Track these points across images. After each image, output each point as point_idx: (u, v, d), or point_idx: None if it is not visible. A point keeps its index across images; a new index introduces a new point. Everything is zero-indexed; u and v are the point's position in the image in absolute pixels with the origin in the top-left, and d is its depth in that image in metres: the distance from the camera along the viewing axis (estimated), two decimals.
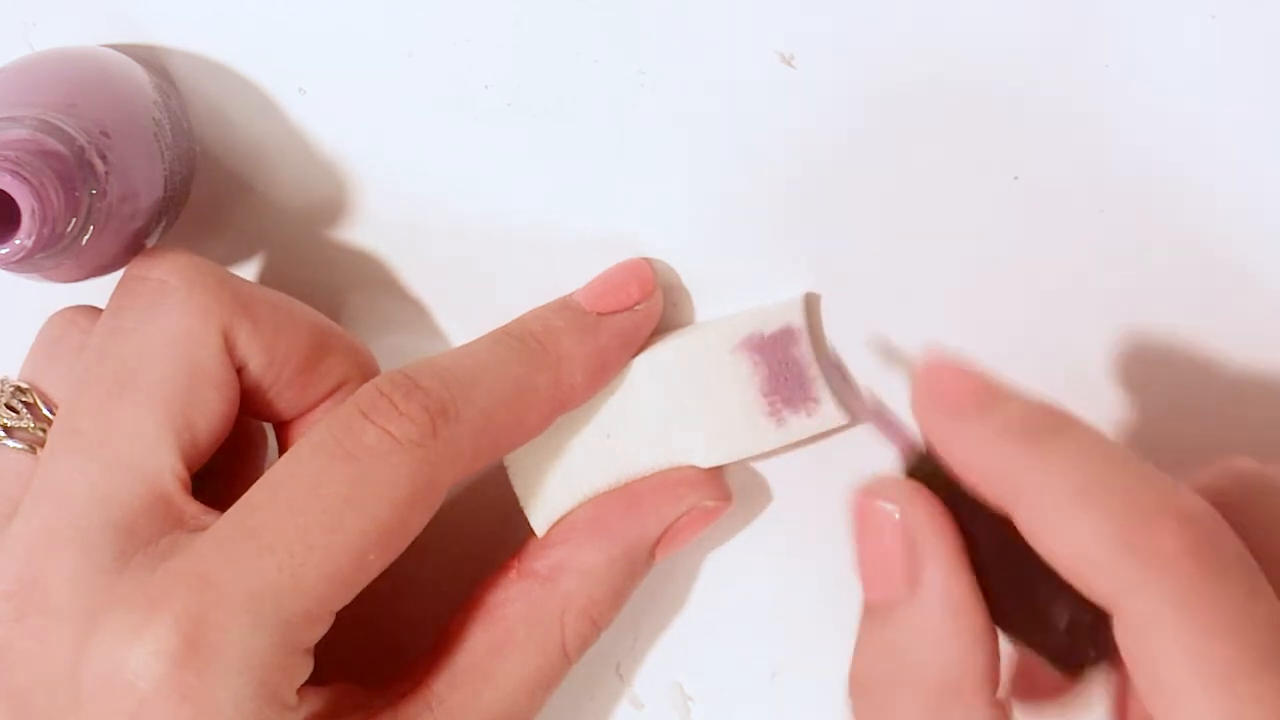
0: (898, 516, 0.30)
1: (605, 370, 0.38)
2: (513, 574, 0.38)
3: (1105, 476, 0.28)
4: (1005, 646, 0.30)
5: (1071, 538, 0.27)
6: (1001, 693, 0.30)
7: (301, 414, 0.38)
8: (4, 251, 0.32)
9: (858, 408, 0.38)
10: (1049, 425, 0.29)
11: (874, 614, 0.30)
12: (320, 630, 0.33)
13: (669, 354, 0.38)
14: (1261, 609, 0.27)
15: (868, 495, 0.31)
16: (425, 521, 0.34)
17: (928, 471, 0.31)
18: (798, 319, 0.38)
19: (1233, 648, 0.26)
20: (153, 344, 0.35)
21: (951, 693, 0.29)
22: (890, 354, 0.38)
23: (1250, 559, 0.27)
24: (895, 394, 0.35)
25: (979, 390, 0.30)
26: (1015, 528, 0.29)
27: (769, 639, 0.41)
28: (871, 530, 0.30)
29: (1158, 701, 0.27)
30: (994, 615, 0.30)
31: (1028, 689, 0.34)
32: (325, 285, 0.42)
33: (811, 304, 0.39)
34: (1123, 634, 0.27)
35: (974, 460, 0.29)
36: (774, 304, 0.38)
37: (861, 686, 0.30)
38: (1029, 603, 0.29)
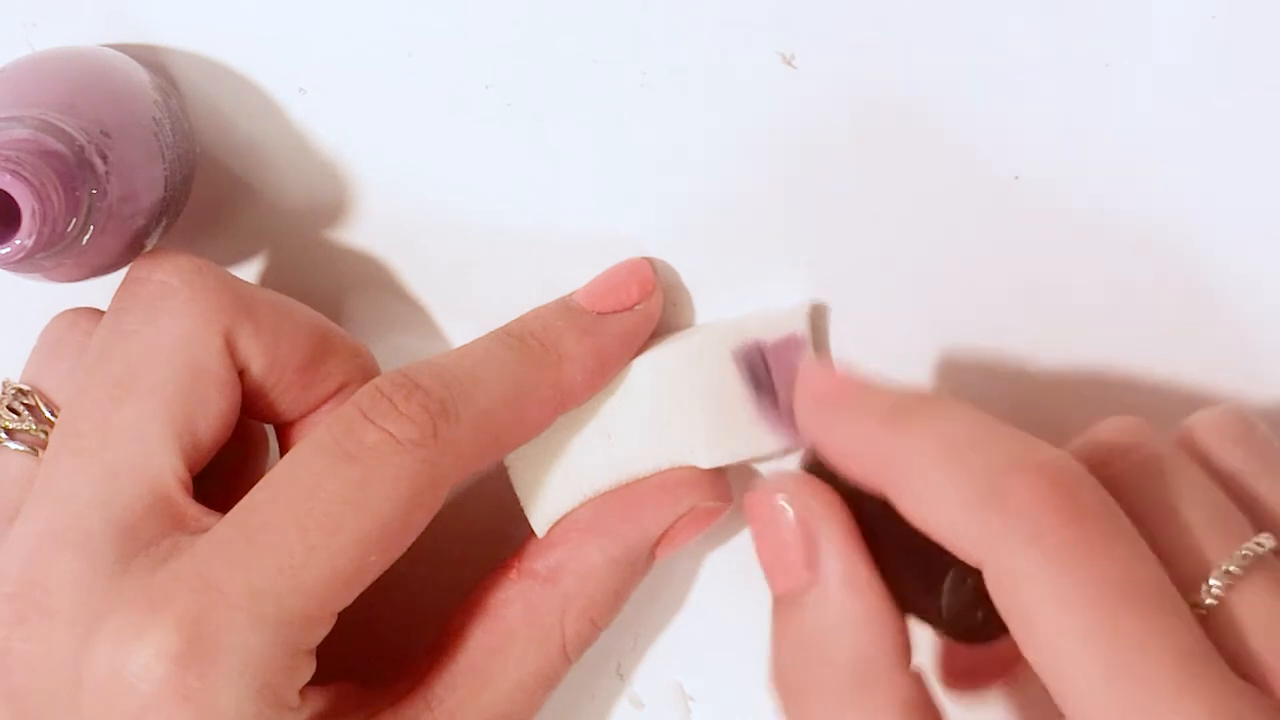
0: (790, 507, 0.31)
1: (605, 370, 0.38)
2: (513, 574, 0.38)
3: (965, 441, 0.28)
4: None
5: (936, 503, 0.28)
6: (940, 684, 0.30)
7: (303, 415, 0.38)
8: (5, 251, 0.32)
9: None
10: (914, 406, 0.30)
11: (782, 605, 0.31)
12: (322, 631, 0.33)
13: (670, 354, 0.38)
14: (1122, 550, 0.27)
15: (760, 492, 0.32)
16: (426, 522, 0.34)
17: (820, 473, 0.32)
18: (802, 327, 0.38)
19: (1096, 591, 0.26)
20: (154, 346, 0.35)
21: (867, 670, 0.29)
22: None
23: (1113, 504, 0.28)
24: None
25: (851, 386, 0.31)
26: (898, 512, 0.29)
27: (769, 639, 0.41)
28: (767, 523, 0.31)
29: (1033, 651, 0.27)
30: (894, 600, 0.30)
31: (963, 676, 0.35)
32: (325, 285, 0.42)
33: (818, 314, 0.39)
34: (994, 589, 0.28)
35: (848, 449, 0.30)
36: (778, 311, 0.38)
37: (781, 678, 0.31)
38: (921, 582, 0.30)
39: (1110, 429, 0.31)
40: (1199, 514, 0.29)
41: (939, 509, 0.28)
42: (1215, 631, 0.27)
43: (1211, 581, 0.28)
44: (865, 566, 0.30)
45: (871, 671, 0.29)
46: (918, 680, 0.29)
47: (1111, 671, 0.26)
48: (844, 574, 0.30)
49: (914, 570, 0.30)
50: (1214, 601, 0.28)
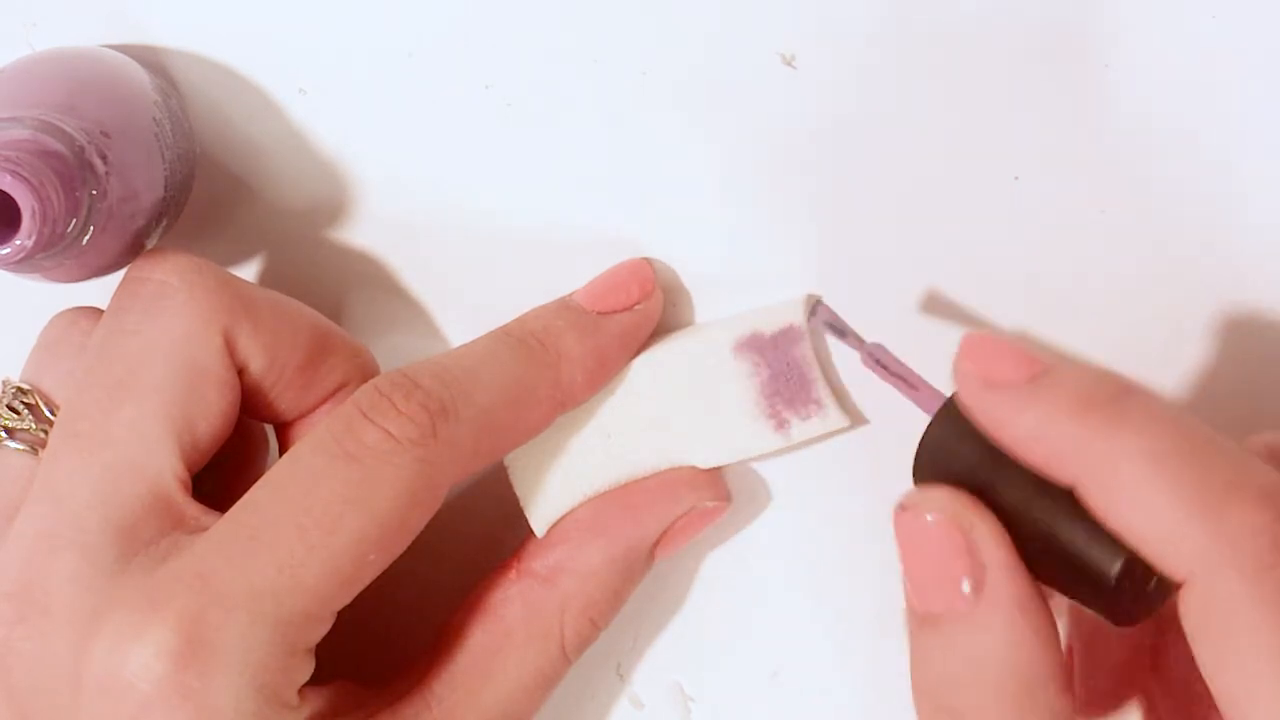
0: (949, 526, 0.29)
1: (605, 370, 0.38)
2: (512, 574, 0.38)
3: (1178, 445, 0.27)
4: None
5: (1145, 508, 0.27)
6: None
7: (302, 415, 0.38)
8: (5, 252, 0.32)
9: (852, 409, 0.38)
10: (1111, 394, 0.28)
11: (933, 624, 0.29)
12: (321, 630, 0.33)
13: (669, 354, 0.38)
14: None
15: (913, 510, 0.30)
16: (425, 521, 0.34)
17: (953, 432, 0.30)
18: (799, 318, 0.38)
19: None
20: (154, 345, 0.35)
21: (1032, 690, 0.28)
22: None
23: None
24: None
25: (1027, 362, 0.29)
26: (1048, 483, 0.28)
27: (769, 639, 0.41)
28: (922, 543, 0.29)
29: (1221, 675, 0.26)
30: (1035, 572, 0.29)
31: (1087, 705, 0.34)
32: (325, 285, 0.42)
33: (813, 304, 0.39)
34: (1191, 604, 0.27)
35: (1035, 437, 0.29)
36: (776, 304, 0.38)
37: (933, 697, 0.30)
38: (1070, 556, 0.29)
39: None
40: None
41: (1144, 514, 0.27)
42: None
43: None
44: (1031, 586, 0.29)
45: (1037, 694, 0.28)
46: (1073, 701, 0.29)
47: None
48: (1012, 597, 0.29)
49: (1056, 542, 0.29)
50: None
